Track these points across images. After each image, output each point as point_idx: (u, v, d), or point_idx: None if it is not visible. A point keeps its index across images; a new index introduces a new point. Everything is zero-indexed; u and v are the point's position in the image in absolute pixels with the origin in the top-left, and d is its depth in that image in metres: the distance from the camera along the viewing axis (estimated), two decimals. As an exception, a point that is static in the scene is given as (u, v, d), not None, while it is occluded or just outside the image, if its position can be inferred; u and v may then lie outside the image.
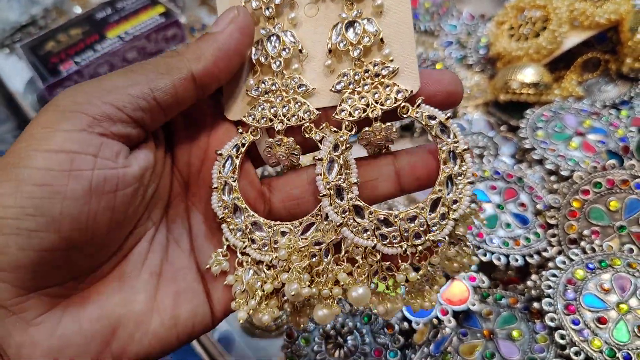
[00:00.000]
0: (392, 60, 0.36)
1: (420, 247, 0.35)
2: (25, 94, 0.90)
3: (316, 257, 0.36)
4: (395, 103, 0.35)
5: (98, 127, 0.31)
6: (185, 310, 0.36)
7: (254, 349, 0.56)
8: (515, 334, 0.51)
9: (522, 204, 0.60)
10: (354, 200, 0.36)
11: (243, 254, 0.38)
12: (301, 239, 0.37)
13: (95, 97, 0.31)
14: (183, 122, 0.39)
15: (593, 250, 0.53)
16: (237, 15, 0.36)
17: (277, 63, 0.37)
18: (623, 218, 0.55)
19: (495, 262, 0.56)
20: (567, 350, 0.48)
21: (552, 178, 0.62)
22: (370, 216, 0.35)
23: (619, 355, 0.47)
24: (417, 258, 0.35)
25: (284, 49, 0.37)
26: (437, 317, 0.53)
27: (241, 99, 0.38)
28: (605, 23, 0.71)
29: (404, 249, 0.35)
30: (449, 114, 0.35)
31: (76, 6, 1.02)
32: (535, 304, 0.52)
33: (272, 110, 0.37)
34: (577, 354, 0.48)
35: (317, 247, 0.36)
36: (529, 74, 0.70)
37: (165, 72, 0.34)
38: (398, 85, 0.36)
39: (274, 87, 0.37)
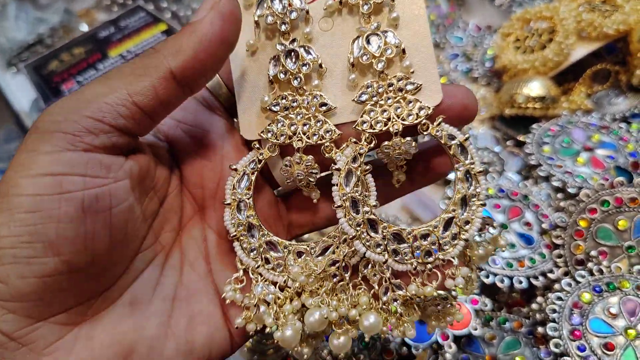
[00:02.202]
0: (413, 72, 0.36)
1: (430, 265, 0.35)
2: (31, 113, 0.90)
3: (337, 277, 0.36)
4: (416, 119, 0.35)
5: (80, 143, 0.30)
6: (201, 334, 0.35)
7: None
8: (519, 360, 0.49)
9: (527, 223, 0.58)
10: (369, 213, 0.35)
11: (256, 274, 0.37)
12: (317, 261, 0.36)
13: (73, 112, 0.30)
14: (191, 144, 0.38)
15: (601, 271, 0.51)
16: (219, 1, 0.33)
17: (298, 80, 0.36)
18: (632, 238, 0.52)
19: (499, 284, 0.54)
20: (573, 379, 0.46)
21: (559, 195, 0.60)
22: (384, 231, 0.35)
23: (628, 383, 0.44)
24: (427, 276, 0.35)
25: (303, 65, 0.36)
26: (437, 342, 0.51)
27: (257, 117, 0.38)
28: (613, 34, 0.69)
29: (414, 266, 0.35)
30: (467, 135, 0.36)
31: (82, 23, 1.03)
32: (540, 329, 0.50)
33: (292, 128, 0.36)
34: (583, 382, 0.46)
35: (335, 267, 0.36)
36: (534, 88, 0.69)
37: (142, 73, 0.32)
38: (420, 102, 0.36)
39: (294, 104, 0.37)
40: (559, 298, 0.50)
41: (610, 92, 0.73)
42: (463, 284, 0.35)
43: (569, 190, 0.60)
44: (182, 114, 0.38)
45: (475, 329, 0.51)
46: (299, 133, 0.36)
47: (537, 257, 0.56)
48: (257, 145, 0.37)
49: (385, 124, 0.36)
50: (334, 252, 0.36)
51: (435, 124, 0.36)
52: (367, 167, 0.36)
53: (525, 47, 0.74)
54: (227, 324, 0.36)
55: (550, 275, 0.54)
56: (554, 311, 0.49)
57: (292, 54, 0.36)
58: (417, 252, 0.35)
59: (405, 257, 0.35)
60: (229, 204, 0.37)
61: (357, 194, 0.35)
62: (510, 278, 0.54)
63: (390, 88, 0.36)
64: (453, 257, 0.35)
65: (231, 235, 0.36)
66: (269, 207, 0.39)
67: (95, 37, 0.85)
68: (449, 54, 0.86)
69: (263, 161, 0.37)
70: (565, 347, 0.47)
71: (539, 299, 0.53)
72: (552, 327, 0.49)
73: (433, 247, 0.35)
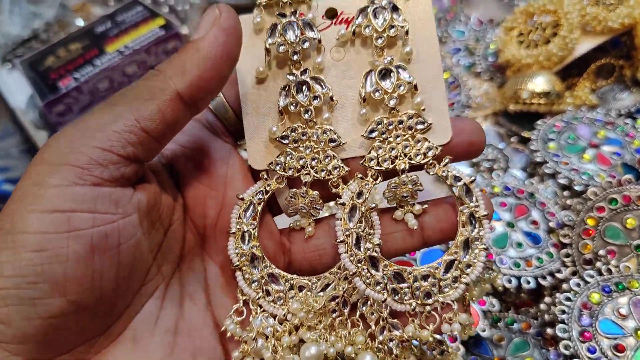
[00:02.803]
0: (424, 110, 0.36)
1: (429, 307, 0.35)
2: (27, 110, 0.89)
3: (336, 312, 0.36)
4: (424, 159, 0.36)
5: (89, 177, 0.29)
6: None
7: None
8: (527, 362, 0.49)
9: (534, 222, 0.58)
10: (371, 250, 0.35)
11: (256, 305, 0.36)
12: (317, 296, 0.36)
13: (80, 143, 0.29)
14: (195, 172, 0.37)
15: (609, 271, 0.51)
16: (219, 16, 0.32)
17: (309, 113, 0.36)
18: (641, 237, 0.52)
19: (506, 284, 0.53)
20: (583, 380, 0.46)
21: (565, 193, 0.60)
22: (384, 269, 0.35)
23: (638, 385, 0.44)
24: (425, 318, 0.35)
25: (314, 98, 0.36)
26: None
27: (265, 146, 0.37)
28: (618, 28, 0.68)
29: (412, 306, 0.35)
30: (473, 178, 0.36)
31: (78, 18, 1.01)
32: (549, 330, 0.49)
33: (301, 161, 0.36)
34: (593, 384, 0.45)
35: (335, 302, 0.35)
36: (539, 83, 0.68)
37: (148, 97, 0.31)
38: (429, 142, 0.36)
39: (304, 137, 0.36)
40: (568, 298, 0.50)
41: (615, 87, 0.72)
42: (459, 330, 0.35)
43: (576, 187, 0.59)
44: (187, 139, 0.37)
45: (484, 331, 0.51)
46: (307, 167, 0.36)
47: (545, 256, 0.55)
48: (265, 176, 0.37)
49: (393, 162, 0.36)
50: (334, 289, 0.36)
51: (442, 164, 0.36)
52: (373, 205, 0.36)
53: (529, 41, 0.73)
54: (227, 357, 0.36)
55: (558, 275, 0.54)
56: (563, 312, 0.49)
57: (304, 85, 0.36)
58: (417, 292, 0.35)
59: (405, 297, 0.35)
60: (234, 233, 0.36)
61: (360, 229, 0.35)
62: (518, 278, 0.54)
63: (400, 125, 0.36)
64: (453, 301, 0.35)
65: (234, 265, 0.36)
66: (272, 239, 0.38)
67: (92, 32, 0.83)
68: (451, 48, 0.85)
69: (270, 192, 0.37)
70: (575, 349, 0.47)
71: (547, 299, 0.53)
72: (561, 329, 0.48)
73: (433, 288, 0.35)
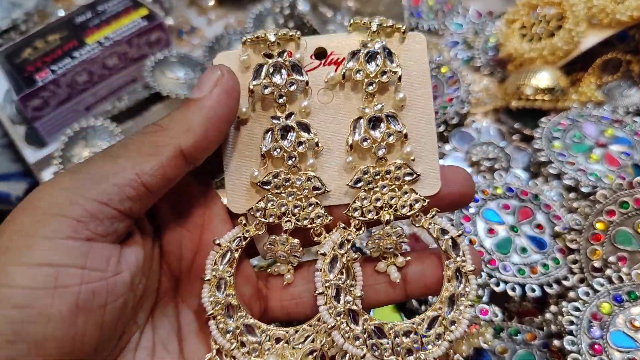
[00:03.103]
0: (413, 160, 0.35)
1: None
2: (4, 104, 0.85)
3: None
4: (410, 211, 0.35)
5: (84, 230, 0.28)
6: None
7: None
8: (533, 377, 0.46)
9: (539, 226, 0.54)
10: (351, 303, 0.34)
11: (229, 356, 0.35)
12: (295, 348, 0.35)
13: (77, 194, 0.29)
14: (172, 213, 0.36)
15: (620, 279, 0.47)
16: (222, 77, 0.33)
17: (293, 159, 0.35)
18: (654, 242, 0.49)
19: (510, 292, 0.50)
20: (593, 398, 0.42)
21: (572, 195, 0.56)
22: (365, 323, 0.34)
23: (652, 403, 0.41)
24: None
25: (299, 144, 0.35)
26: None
27: (245, 190, 0.36)
28: (627, 21, 0.65)
29: None
30: (460, 232, 0.36)
31: (60, 9, 0.97)
32: (556, 342, 0.46)
33: (282, 208, 0.35)
34: (605, 402, 0.42)
35: (312, 356, 0.34)
36: (543, 79, 0.65)
37: (151, 152, 0.31)
38: (416, 194, 0.35)
39: (286, 183, 0.35)
40: (577, 308, 0.47)
41: (622, 83, 0.69)
42: None
43: (583, 189, 0.56)
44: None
45: (485, 342, 0.48)
46: (289, 214, 0.35)
47: (551, 262, 0.52)
48: (244, 221, 0.36)
49: (377, 213, 0.35)
50: (313, 341, 0.35)
51: (428, 216, 0.36)
52: (356, 256, 0.36)
53: (532, 34, 0.70)
54: None
55: (565, 282, 0.51)
56: (571, 322, 0.46)
57: (289, 130, 0.35)
58: (398, 349, 0.34)
59: (385, 354, 0.34)
60: (209, 280, 0.35)
61: (340, 281, 0.34)
62: (522, 286, 0.50)
63: (388, 175, 0.35)
64: (435, 359, 0.34)
65: (208, 313, 0.35)
66: (249, 284, 0.37)
67: (71, 22, 0.79)
68: (449, 41, 0.82)
69: (249, 238, 0.36)
70: (585, 364, 0.43)
71: (553, 308, 0.49)
72: (569, 341, 0.45)
73: (415, 345, 0.34)
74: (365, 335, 0.34)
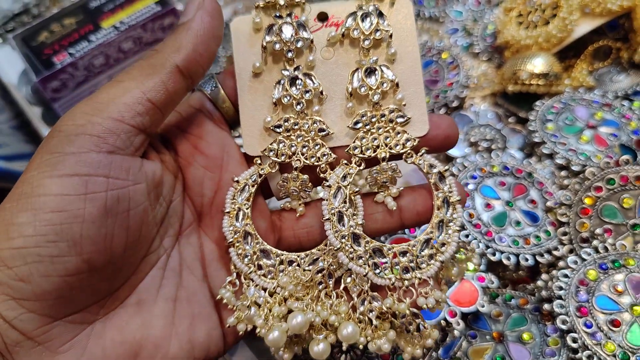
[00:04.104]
0: (404, 105, 0.40)
1: (407, 282, 0.37)
2: (19, 85, 0.87)
3: (322, 284, 0.38)
4: (402, 149, 0.39)
5: (105, 144, 0.32)
6: (200, 334, 0.37)
7: (257, 351, 0.54)
8: (525, 336, 0.50)
9: (532, 201, 0.58)
10: (353, 227, 0.38)
11: (247, 279, 0.39)
12: (305, 270, 0.39)
13: (94, 115, 0.32)
14: (194, 155, 0.40)
15: (606, 249, 0.52)
16: (203, 2, 0.37)
17: (300, 105, 0.39)
18: (637, 216, 0.53)
19: (505, 261, 0.54)
20: (579, 354, 0.47)
21: (563, 173, 0.60)
22: (366, 245, 0.38)
23: (632, 359, 0.45)
24: (403, 293, 0.38)
25: (306, 92, 0.39)
26: (445, 319, 0.51)
27: (259, 134, 0.41)
28: (617, 10, 0.68)
29: (392, 281, 0.37)
30: (447, 167, 0.40)
31: (70, -7, 0.99)
32: (546, 306, 0.50)
33: (292, 148, 0.40)
34: (589, 357, 0.46)
35: (320, 274, 0.38)
36: (538, 64, 0.68)
37: (151, 72, 0.35)
38: (407, 134, 0.39)
39: (295, 127, 0.40)
40: (565, 275, 0.51)
41: (612, 69, 0.73)
42: (433, 304, 0.37)
43: (573, 168, 0.60)
44: (189, 125, 0.40)
45: (482, 306, 0.52)
46: (298, 154, 0.40)
47: (543, 234, 0.56)
48: (259, 161, 0.40)
49: (374, 151, 0.39)
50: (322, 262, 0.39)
51: (418, 154, 0.40)
52: (357, 189, 0.39)
53: (528, 22, 0.73)
54: (221, 324, 0.38)
55: (555, 252, 0.55)
56: (561, 288, 0.50)
57: (296, 80, 0.40)
58: (396, 267, 0.38)
59: (384, 272, 0.38)
60: (229, 212, 0.39)
61: (344, 209, 0.38)
62: (517, 255, 0.55)
63: (383, 118, 0.40)
64: (429, 277, 0.37)
65: (228, 241, 0.39)
66: (264, 218, 0.41)
67: (86, 7, 0.81)
68: (449, 28, 0.85)
69: (263, 176, 0.40)
70: (572, 324, 0.48)
71: (544, 276, 0.54)
72: (558, 304, 0.49)
73: (411, 264, 0.38)
74: (367, 256, 0.38)
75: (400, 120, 0.39)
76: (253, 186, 0.40)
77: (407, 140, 0.39)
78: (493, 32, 0.80)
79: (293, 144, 0.40)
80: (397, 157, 0.40)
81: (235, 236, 0.39)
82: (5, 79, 0.88)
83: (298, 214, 0.41)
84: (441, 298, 0.37)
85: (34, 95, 0.83)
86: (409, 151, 0.39)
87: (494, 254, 0.55)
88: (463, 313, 0.52)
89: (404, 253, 0.38)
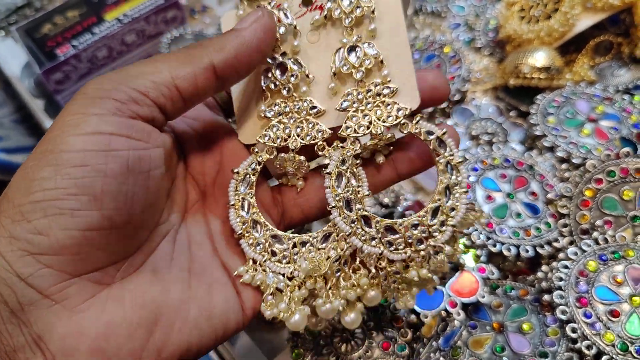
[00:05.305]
0: (390, 81, 0.39)
1: (422, 252, 0.38)
2: (22, 78, 0.88)
3: (340, 272, 0.39)
4: (396, 120, 0.38)
5: (127, 110, 0.33)
6: (219, 301, 0.36)
7: (259, 341, 0.55)
8: (525, 326, 0.50)
9: (533, 193, 0.59)
10: (361, 210, 0.38)
11: (263, 267, 0.39)
12: (320, 248, 0.39)
13: (121, 83, 0.33)
14: (194, 135, 0.41)
15: (606, 240, 0.52)
16: (262, 16, 0.37)
17: (287, 89, 0.40)
18: (637, 208, 0.53)
19: (505, 252, 0.55)
20: (578, 344, 0.47)
21: (564, 166, 0.61)
22: (377, 225, 0.38)
23: (631, 349, 0.45)
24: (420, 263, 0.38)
25: (292, 76, 0.40)
26: (445, 310, 0.52)
27: (253, 123, 0.41)
28: (619, 5, 0.69)
29: (408, 254, 0.37)
30: (444, 130, 0.38)
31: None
32: (546, 296, 0.51)
33: (287, 131, 0.40)
34: (588, 347, 0.47)
35: (337, 263, 0.38)
36: (540, 58, 0.68)
37: (187, 61, 0.35)
38: (398, 104, 0.39)
39: (286, 110, 0.40)
40: (566, 266, 0.51)
41: (613, 63, 0.73)
42: (443, 259, 0.38)
43: (574, 160, 0.60)
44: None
45: (483, 297, 0.52)
46: (294, 135, 0.40)
47: (543, 226, 0.56)
48: (256, 150, 0.40)
49: (368, 127, 0.39)
50: (335, 240, 0.39)
51: (413, 122, 0.39)
52: (357, 162, 0.39)
53: (530, 17, 0.74)
54: (239, 296, 0.38)
55: (555, 244, 0.55)
56: (560, 279, 0.50)
57: (282, 66, 0.40)
58: (410, 240, 0.38)
59: (399, 247, 0.38)
60: (233, 205, 0.39)
61: (349, 193, 0.38)
62: (517, 247, 0.55)
63: (369, 94, 0.39)
64: (443, 244, 0.38)
65: (237, 233, 0.39)
66: (265, 195, 0.42)
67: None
68: (451, 23, 0.85)
69: (262, 163, 0.40)
70: (572, 314, 0.48)
71: (545, 267, 0.54)
72: (558, 295, 0.49)
73: (423, 235, 0.38)
74: (380, 235, 0.38)
75: (386, 91, 0.39)
76: (253, 174, 0.40)
77: (399, 109, 0.39)
78: (495, 26, 0.80)
79: (287, 127, 0.40)
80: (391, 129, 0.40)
81: (244, 227, 0.39)
82: (8, 72, 0.88)
83: (299, 189, 0.42)
84: (453, 251, 0.38)
85: (37, 88, 0.83)
86: (403, 121, 0.39)
87: (494, 245, 0.55)
88: (464, 303, 0.52)
89: (415, 226, 0.38)
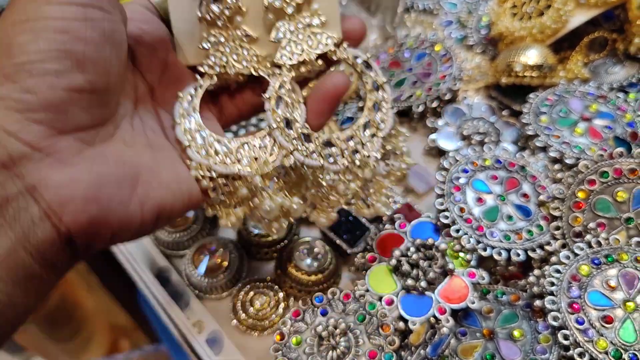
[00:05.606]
0: (320, 15, 0.43)
1: (357, 162, 0.42)
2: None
3: (285, 175, 0.43)
4: (326, 47, 0.42)
5: None
6: (183, 170, 0.40)
7: (244, 350, 0.53)
8: (516, 333, 0.49)
9: (525, 195, 0.57)
10: (301, 128, 0.42)
11: (210, 170, 0.41)
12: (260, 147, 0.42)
13: None
14: (142, 35, 0.41)
15: (599, 243, 0.51)
16: None
17: (222, 20, 0.42)
18: (631, 209, 0.52)
19: (496, 257, 0.53)
20: (571, 351, 0.46)
21: (556, 166, 0.59)
22: (316, 141, 0.42)
23: (625, 356, 0.44)
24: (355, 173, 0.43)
25: (226, 8, 0.42)
26: (434, 316, 0.50)
27: (190, 46, 0.43)
28: (613, 0, 0.67)
29: (345, 164, 0.42)
30: (369, 55, 0.43)
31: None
32: (538, 302, 0.49)
33: (224, 59, 0.43)
34: (581, 355, 0.45)
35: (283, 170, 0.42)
36: (532, 56, 0.67)
37: None
38: (327, 33, 0.43)
39: (222, 39, 0.43)
40: (557, 271, 0.50)
41: (608, 60, 0.71)
42: (371, 169, 0.43)
43: (567, 161, 0.59)
44: (138, 13, 0.42)
45: (473, 303, 0.50)
46: (231, 62, 0.43)
47: (535, 229, 0.55)
48: (198, 76, 0.43)
49: (300, 55, 0.42)
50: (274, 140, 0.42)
51: (341, 48, 0.43)
52: (295, 88, 0.43)
53: (523, 13, 0.72)
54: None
55: (547, 247, 0.53)
56: (552, 284, 0.49)
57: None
58: (346, 152, 0.42)
59: (337, 158, 0.42)
60: (179, 124, 0.42)
61: (288, 114, 0.42)
62: (508, 251, 0.53)
63: (300, 26, 0.42)
64: (375, 152, 0.42)
65: (185, 145, 0.41)
66: (205, 103, 0.44)
67: None
68: (443, 20, 0.84)
69: (204, 87, 0.43)
70: (564, 320, 0.47)
71: (536, 271, 0.52)
72: (550, 300, 0.48)
73: (358, 146, 0.43)
74: (319, 149, 0.42)
75: (316, 22, 0.42)
76: (196, 95, 0.43)
77: (328, 37, 0.43)
78: (487, 23, 0.79)
79: (223, 56, 0.43)
80: (324, 57, 0.43)
81: (189, 137, 0.41)
82: None
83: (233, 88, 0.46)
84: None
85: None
86: (332, 48, 0.42)
87: (485, 249, 0.54)
88: (453, 310, 0.50)
89: (349, 138, 0.43)
